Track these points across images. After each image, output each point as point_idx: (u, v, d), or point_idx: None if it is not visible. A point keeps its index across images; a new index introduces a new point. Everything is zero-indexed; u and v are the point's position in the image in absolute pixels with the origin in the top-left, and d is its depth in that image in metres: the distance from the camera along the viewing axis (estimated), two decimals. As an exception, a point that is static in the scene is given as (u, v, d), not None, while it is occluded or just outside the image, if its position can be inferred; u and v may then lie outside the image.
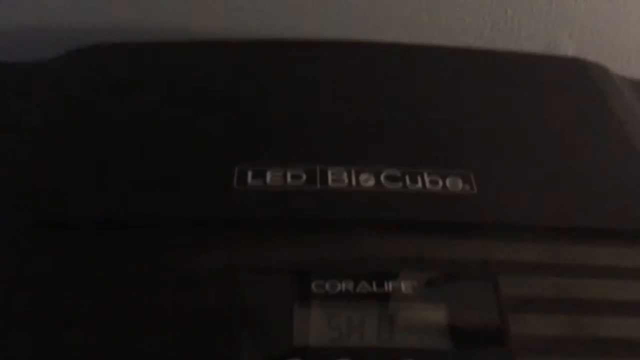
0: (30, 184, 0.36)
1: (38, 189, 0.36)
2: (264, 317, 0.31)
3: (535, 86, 0.44)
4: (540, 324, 0.31)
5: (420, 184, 0.36)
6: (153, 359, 0.30)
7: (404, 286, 0.32)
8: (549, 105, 0.43)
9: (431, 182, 0.36)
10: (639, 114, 0.43)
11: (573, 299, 0.32)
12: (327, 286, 0.32)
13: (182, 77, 0.43)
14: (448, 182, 0.36)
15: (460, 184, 0.36)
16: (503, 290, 0.32)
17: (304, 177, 0.36)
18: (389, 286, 0.32)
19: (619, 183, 0.37)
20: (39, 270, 0.32)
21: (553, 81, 0.45)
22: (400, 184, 0.36)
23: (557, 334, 0.31)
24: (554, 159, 0.39)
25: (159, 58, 0.45)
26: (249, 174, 0.36)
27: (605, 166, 0.38)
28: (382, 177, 0.36)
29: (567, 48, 0.59)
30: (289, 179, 0.36)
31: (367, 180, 0.36)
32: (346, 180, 0.36)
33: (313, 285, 0.32)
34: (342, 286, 0.32)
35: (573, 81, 0.45)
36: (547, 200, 0.36)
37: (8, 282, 0.31)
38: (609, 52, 0.59)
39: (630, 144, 0.40)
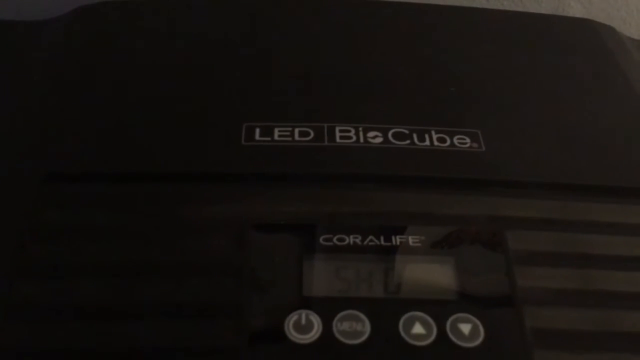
0: (41, 138, 0.36)
1: (49, 142, 0.36)
2: (273, 269, 0.31)
3: (544, 46, 0.44)
4: (547, 278, 0.32)
5: (428, 142, 0.36)
6: (164, 309, 0.30)
7: (412, 240, 0.32)
8: (557, 64, 0.42)
9: (439, 139, 0.36)
10: (648, 74, 0.43)
11: (579, 254, 0.33)
12: (335, 239, 0.32)
13: (188, 34, 0.43)
14: (456, 139, 0.36)
15: (468, 141, 0.36)
16: (510, 245, 0.32)
17: (312, 133, 0.36)
18: (396, 240, 0.32)
19: (627, 141, 0.38)
20: (51, 221, 0.32)
21: (562, 41, 0.45)
22: (408, 141, 0.36)
23: (563, 286, 0.31)
24: (562, 117, 0.39)
25: (166, 14, 0.45)
26: (257, 131, 0.36)
27: (613, 124, 0.38)
28: (389, 135, 0.36)
29: (575, 12, 0.59)
30: (296, 135, 0.36)
31: (375, 137, 0.36)
32: (354, 137, 0.36)
33: (322, 239, 0.32)
34: (350, 239, 0.32)
35: (582, 41, 0.45)
36: (555, 158, 0.36)
37: (21, 233, 0.32)
38: (616, 17, 0.59)
39: (638, 103, 0.40)
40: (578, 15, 0.59)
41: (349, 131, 0.36)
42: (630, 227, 0.34)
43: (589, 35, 0.45)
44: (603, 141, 0.37)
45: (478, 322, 0.30)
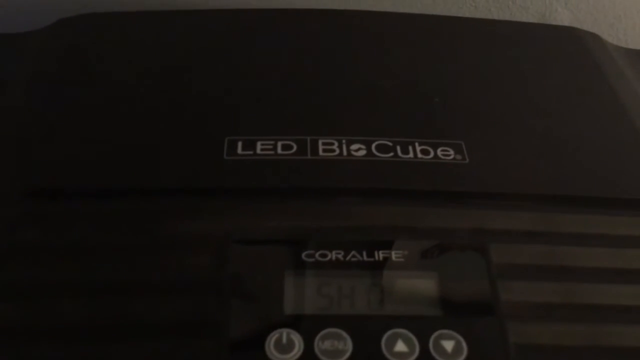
0: (18, 154, 0.36)
1: (28, 158, 0.35)
2: (255, 286, 0.31)
3: (529, 55, 0.44)
4: (531, 292, 0.31)
5: (411, 154, 0.36)
6: (144, 328, 0.30)
7: (395, 255, 0.32)
8: (543, 74, 0.42)
9: (422, 151, 0.36)
10: (633, 82, 0.43)
11: (563, 267, 0.32)
12: (317, 255, 0.32)
13: (171, 47, 0.43)
14: (439, 151, 0.36)
15: (451, 153, 0.36)
16: (494, 259, 0.32)
17: (295, 147, 0.36)
18: (379, 255, 0.32)
19: (611, 151, 0.37)
20: (28, 239, 0.32)
21: (547, 50, 0.44)
22: (391, 154, 0.36)
23: (547, 301, 0.31)
24: (547, 127, 0.38)
25: (147, 27, 0.44)
26: (239, 144, 0.36)
27: (598, 135, 0.38)
28: (373, 147, 0.36)
29: (562, 18, 0.58)
30: (279, 149, 0.36)
31: (358, 150, 0.36)
32: (337, 150, 0.36)
33: (303, 255, 0.32)
34: (333, 255, 0.32)
35: (567, 50, 0.45)
36: (538, 169, 0.36)
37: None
38: (604, 23, 0.59)
39: (623, 113, 0.40)
40: (565, 21, 0.58)
41: (332, 144, 0.36)
42: (616, 239, 0.33)
43: (574, 44, 0.45)
44: (587, 152, 0.37)
45: (461, 339, 0.29)
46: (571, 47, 0.45)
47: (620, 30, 0.59)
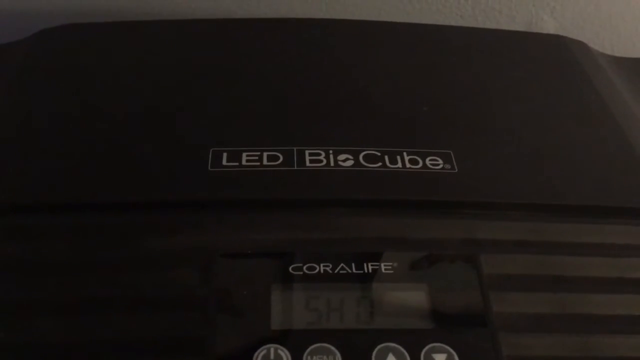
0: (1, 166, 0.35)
1: (3, 173, 0.34)
2: (241, 300, 0.30)
3: (516, 63, 0.43)
4: (523, 303, 0.31)
5: (400, 164, 0.35)
6: (126, 345, 0.29)
7: (384, 267, 0.31)
8: (531, 81, 0.42)
9: (411, 161, 0.35)
10: (620, 89, 0.43)
11: (555, 277, 0.32)
12: (305, 268, 0.31)
13: (154, 58, 0.42)
14: (428, 161, 0.35)
15: (440, 162, 0.35)
16: (484, 269, 0.31)
17: (281, 158, 0.35)
18: (368, 267, 0.31)
19: (601, 159, 0.37)
20: (4, 255, 0.31)
21: (535, 58, 0.44)
22: (379, 164, 0.35)
23: (539, 312, 0.31)
24: (535, 136, 0.38)
25: (129, 38, 0.44)
26: (224, 156, 0.35)
27: (587, 142, 0.38)
28: (360, 157, 0.35)
29: (549, 27, 0.58)
30: (265, 160, 0.35)
31: (346, 161, 0.35)
32: (324, 161, 0.35)
33: (291, 268, 0.31)
34: (321, 268, 0.31)
35: (555, 58, 0.44)
36: (528, 178, 0.35)
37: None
38: (589, 32, 0.59)
39: (612, 120, 0.39)
40: (551, 29, 0.58)
41: (319, 154, 0.35)
42: (607, 248, 0.33)
43: (562, 52, 0.45)
44: (576, 160, 0.37)
45: (453, 352, 0.29)
46: (559, 55, 0.45)
47: (606, 38, 0.59)
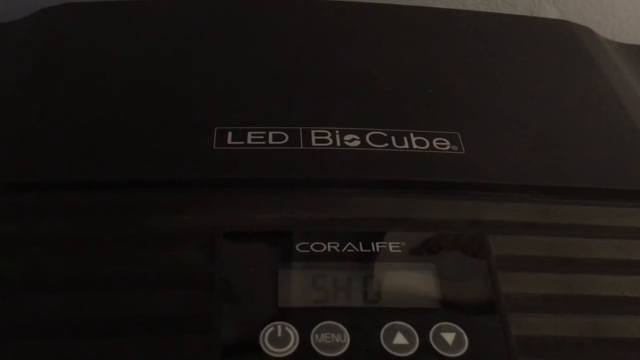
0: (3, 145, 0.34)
1: (4, 150, 0.34)
2: (248, 279, 0.30)
3: (523, 47, 0.43)
4: (531, 283, 0.31)
5: (406, 144, 0.35)
6: (132, 323, 0.28)
7: (391, 246, 0.31)
8: (536, 65, 0.42)
9: (418, 142, 0.35)
10: (626, 73, 0.43)
11: (562, 258, 0.32)
12: (311, 247, 0.30)
13: (157, 36, 0.41)
14: (435, 142, 0.35)
15: (447, 144, 0.35)
16: (493, 250, 0.31)
17: (287, 137, 0.35)
18: (376, 246, 0.31)
19: (608, 142, 0.37)
20: (7, 233, 0.30)
21: (541, 42, 0.44)
22: (386, 144, 0.35)
23: (548, 292, 0.30)
24: (542, 118, 0.38)
25: (131, 17, 0.43)
26: (229, 135, 0.35)
27: (595, 126, 0.38)
28: (367, 138, 0.35)
29: (550, 15, 0.58)
30: (270, 139, 0.34)
31: (352, 141, 0.35)
32: (330, 141, 0.35)
33: (298, 246, 0.30)
34: (328, 247, 0.31)
35: (560, 42, 0.44)
36: (535, 160, 0.35)
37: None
38: (591, 20, 0.59)
39: (618, 104, 0.39)
40: (553, 17, 0.58)
41: (325, 134, 0.35)
42: (615, 230, 0.33)
43: (567, 37, 0.45)
44: (584, 143, 0.37)
45: (462, 331, 0.29)
46: (565, 39, 0.45)
47: (608, 27, 0.59)
